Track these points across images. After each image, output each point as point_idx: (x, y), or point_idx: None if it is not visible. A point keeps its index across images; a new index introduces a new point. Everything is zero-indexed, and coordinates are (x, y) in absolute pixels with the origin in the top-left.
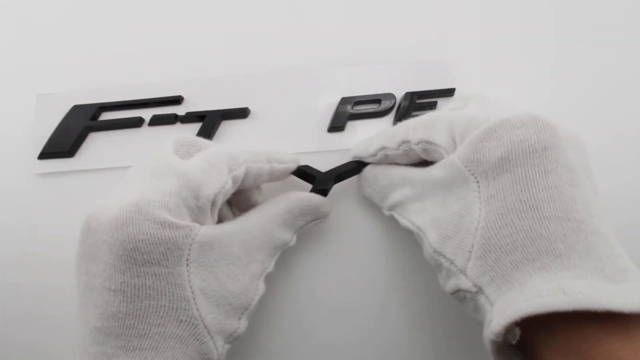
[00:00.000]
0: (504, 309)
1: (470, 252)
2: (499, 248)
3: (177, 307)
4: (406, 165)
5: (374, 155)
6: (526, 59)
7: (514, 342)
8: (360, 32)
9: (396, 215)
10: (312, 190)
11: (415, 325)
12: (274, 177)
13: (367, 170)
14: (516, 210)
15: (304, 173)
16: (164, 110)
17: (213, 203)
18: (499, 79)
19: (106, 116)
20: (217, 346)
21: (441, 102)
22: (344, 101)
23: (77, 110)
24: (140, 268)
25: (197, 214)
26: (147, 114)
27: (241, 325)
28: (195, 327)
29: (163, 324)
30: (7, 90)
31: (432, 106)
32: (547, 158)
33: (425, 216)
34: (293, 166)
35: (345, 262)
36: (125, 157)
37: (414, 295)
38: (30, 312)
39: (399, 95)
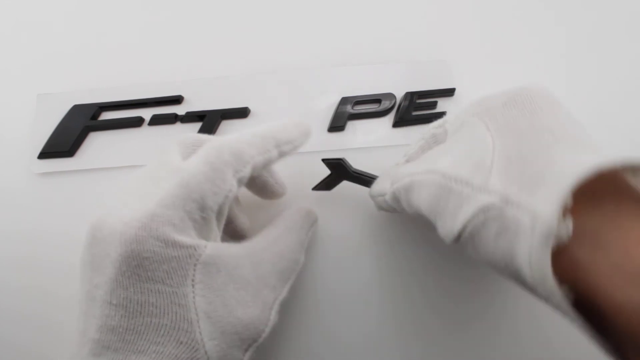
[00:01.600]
0: (549, 194)
1: (490, 167)
2: (521, 159)
3: (178, 328)
4: None
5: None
6: (526, 59)
7: (568, 235)
8: (360, 32)
9: (396, 185)
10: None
11: (420, 332)
12: (285, 156)
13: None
14: (530, 132)
15: (332, 164)
16: (164, 110)
17: (219, 212)
18: (499, 78)
19: (106, 116)
20: None
21: (441, 102)
22: (344, 101)
23: (77, 110)
24: (144, 284)
25: (202, 225)
26: (147, 113)
27: (245, 358)
28: (195, 351)
29: (162, 343)
30: (7, 90)
31: (432, 106)
32: (552, 101)
33: (429, 158)
34: (304, 140)
35: (346, 270)
36: (125, 157)
37: (417, 304)
38: (30, 313)
39: (399, 95)
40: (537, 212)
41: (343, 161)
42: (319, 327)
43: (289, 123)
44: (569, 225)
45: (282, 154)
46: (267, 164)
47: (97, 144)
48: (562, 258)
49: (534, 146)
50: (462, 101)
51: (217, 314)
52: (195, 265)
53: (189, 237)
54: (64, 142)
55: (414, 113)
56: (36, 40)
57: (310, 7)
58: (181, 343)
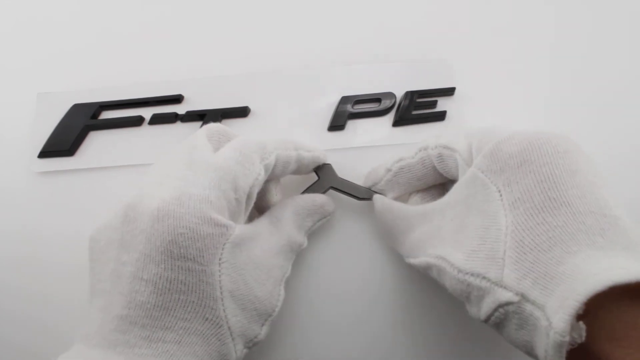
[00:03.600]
0: (562, 302)
1: (503, 258)
2: (535, 247)
3: (204, 305)
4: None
5: (390, 169)
6: (527, 58)
7: (581, 340)
8: (360, 31)
9: (413, 261)
10: (304, 192)
11: (422, 322)
12: (301, 165)
13: (383, 212)
14: (547, 208)
15: (319, 168)
16: (164, 109)
17: (248, 195)
18: (499, 78)
19: (106, 115)
20: (236, 349)
21: (441, 101)
22: (344, 100)
23: (77, 109)
24: (175, 262)
25: (235, 207)
26: (147, 112)
27: (262, 332)
28: (220, 327)
29: (189, 319)
30: (7, 90)
31: (432, 105)
32: (571, 159)
33: (446, 243)
34: (321, 157)
35: (350, 265)
36: (126, 156)
37: (419, 293)
38: (29, 313)
39: (399, 94)
40: (550, 321)
41: (330, 165)
42: (317, 322)
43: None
44: (582, 330)
45: (300, 159)
46: (287, 162)
47: (97, 143)
48: (578, 351)
49: (548, 230)
50: (462, 101)
51: (239, 292)
52: (224, 244)
53: (222, 217)
54: (64, 141)
55: (414, 112)
56: (36, 39)
57: (310, 7)
58: (207, 319)
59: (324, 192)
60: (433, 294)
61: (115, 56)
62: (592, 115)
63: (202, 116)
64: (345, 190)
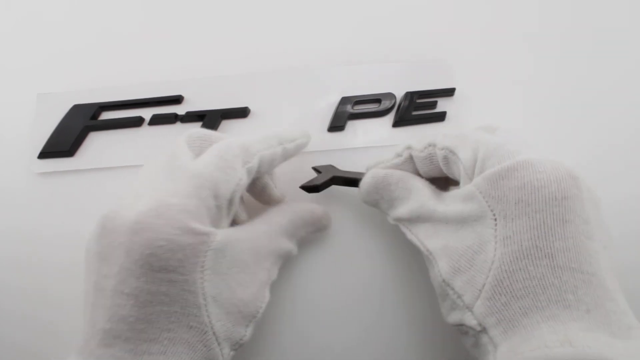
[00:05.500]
0: (510, 356)
1: (480, 290)
2: (510, 292)
3: (188, 314)
4: (424, 179)
5: (400, 155)
6: (526, 58)
7: None
8: (360, 31)
9: (403, 229)
10: (302, 186)
11: (412, 330)
12: (288, 156)
13: (380, 175)
14: (531, 257)
15: (322, 168)
16: (164, 110)
17: (230, 201)
18: (499, 78)
19: (106, 115)
20: (223, 353)
21: (441, 101)
22: (344, 101)
23: (77, 110)
24: (156, 274)
25: (216, 214)
26: (147, 113)
27: (247, 333)
28: (205, 333)
29: (173, 329)
30: (7, 90)
31: (432, 106)
32: (566, 208)
33: (437, 241)
34: (305, 141)
35: (343, 267)
36: (125, 157)
37: (411, 301)
38: (29, 313)
39: (399, 94)
40: None
41: (332, 166)
42: (309, 325)
43: (289, 127)
44: None
45: (285, 152)
46: (273, 160)
47: (97, 144)
48: None
49: (526, 279)
50: (462, 101)
51: (223, 296)
52: (206, 252)
53: (203, 225)
54: (64, 141)
55: (414, 113)
56: (36, 40)
57: (310, 7)
58: (191, 327)
59: (324, 182)
60: (428, 294)
61: (115, 56)
62: (592, 116)
63: (202, 117)
64: (348, 177)
